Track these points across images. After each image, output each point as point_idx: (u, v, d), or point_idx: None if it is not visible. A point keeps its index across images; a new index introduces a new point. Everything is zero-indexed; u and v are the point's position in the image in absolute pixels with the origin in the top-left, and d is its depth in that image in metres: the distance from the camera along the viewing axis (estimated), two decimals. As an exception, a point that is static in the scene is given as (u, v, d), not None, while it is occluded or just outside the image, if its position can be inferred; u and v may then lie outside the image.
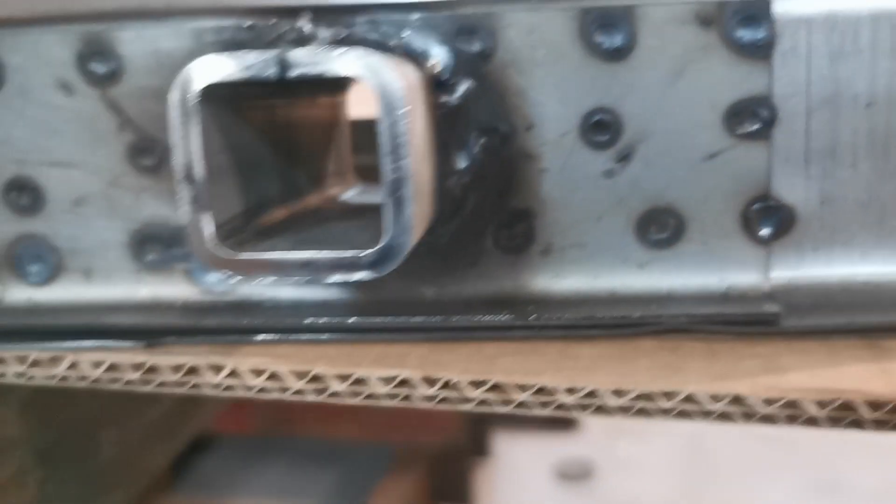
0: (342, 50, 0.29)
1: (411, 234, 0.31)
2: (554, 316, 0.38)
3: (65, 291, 0.41)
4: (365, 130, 0.38)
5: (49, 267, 0.41)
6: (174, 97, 0.30)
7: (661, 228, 0.39)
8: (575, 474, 2.42)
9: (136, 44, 0.38)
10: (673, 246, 0.39)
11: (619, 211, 0.39)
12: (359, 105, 0.43)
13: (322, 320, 0.39)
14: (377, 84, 0.29)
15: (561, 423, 2.65)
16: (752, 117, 0.37)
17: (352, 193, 0.44)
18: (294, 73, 0.29)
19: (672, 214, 0.38)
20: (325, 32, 0.38)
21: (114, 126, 0.39)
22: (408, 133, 0.29)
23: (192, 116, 0.30)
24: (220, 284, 0.40)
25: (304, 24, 0.38)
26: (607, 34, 0.37)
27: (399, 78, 0.29)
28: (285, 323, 0.39)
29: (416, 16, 0.37)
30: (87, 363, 0.39)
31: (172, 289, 0.41)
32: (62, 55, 0.39)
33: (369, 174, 0.41)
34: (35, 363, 0.39)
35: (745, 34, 0.36)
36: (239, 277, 0.31)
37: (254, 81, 0.29)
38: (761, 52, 0.36)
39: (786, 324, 0.37)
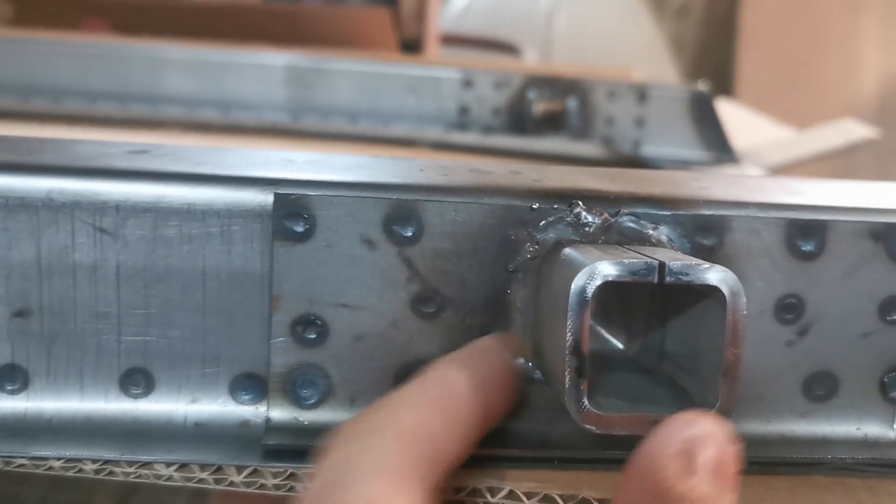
0: (707, 265, 0.39)
1: (736, 403, 0.40)
2: (750, 454, 0.48)
3: (331, 414, 0.47)
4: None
5: (319, 392, 0.47)
6: (576, 285, 0.38)
7: (821, 387, 0.50)
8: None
9: (437, 214, 0.46)
10: (828, 401, 0.50)
11: (793, 372, 0.50)
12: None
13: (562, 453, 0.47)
14: (730, 292, 0.39)
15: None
16: (897, 308, 0.49)
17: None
18: (670, 279, 0.39)
19: (830, 377, 0.50)
20: (595, 219, 0.47)
21: (403, 278, 0.47)
22: (744, 329, 0.39)
23: (586, 304, 0.38)
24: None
25: (581, 211, 0.47)
26: (805, 240, 0.48)
27: (741, 289, 0.39)
28: (536, 454, 0.47)
29: (666, 212, 0.47)
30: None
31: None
32: (373, 217, 0.46)
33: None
34: (328, 480, 0.45)
35: (903, 248, 0.49)
36: (603, 431, 0.39)
37: (636, 283, 0.38)
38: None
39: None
